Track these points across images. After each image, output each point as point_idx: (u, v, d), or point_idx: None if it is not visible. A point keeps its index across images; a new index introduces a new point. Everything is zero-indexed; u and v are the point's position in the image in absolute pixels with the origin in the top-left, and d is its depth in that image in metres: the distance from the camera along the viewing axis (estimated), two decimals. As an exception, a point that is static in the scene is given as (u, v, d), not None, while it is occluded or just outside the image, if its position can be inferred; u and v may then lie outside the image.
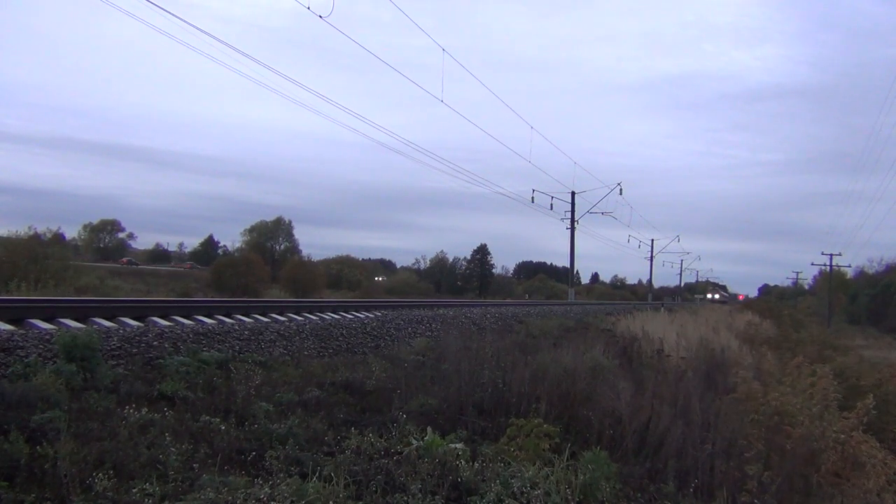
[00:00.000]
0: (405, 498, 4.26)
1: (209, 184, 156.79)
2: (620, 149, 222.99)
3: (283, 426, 5.51)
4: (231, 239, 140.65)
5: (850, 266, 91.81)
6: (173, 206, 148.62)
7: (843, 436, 6.35)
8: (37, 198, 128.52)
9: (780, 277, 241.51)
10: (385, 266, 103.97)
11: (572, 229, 46.75)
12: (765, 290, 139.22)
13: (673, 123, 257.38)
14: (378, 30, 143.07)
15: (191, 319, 11.07)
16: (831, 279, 67.71)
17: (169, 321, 10.57)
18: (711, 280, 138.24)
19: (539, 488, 4.49)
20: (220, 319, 11.55)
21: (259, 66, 23.94)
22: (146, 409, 5.53)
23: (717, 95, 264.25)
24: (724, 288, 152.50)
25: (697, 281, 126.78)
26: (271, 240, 78.98)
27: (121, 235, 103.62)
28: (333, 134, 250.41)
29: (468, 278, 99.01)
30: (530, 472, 4.73)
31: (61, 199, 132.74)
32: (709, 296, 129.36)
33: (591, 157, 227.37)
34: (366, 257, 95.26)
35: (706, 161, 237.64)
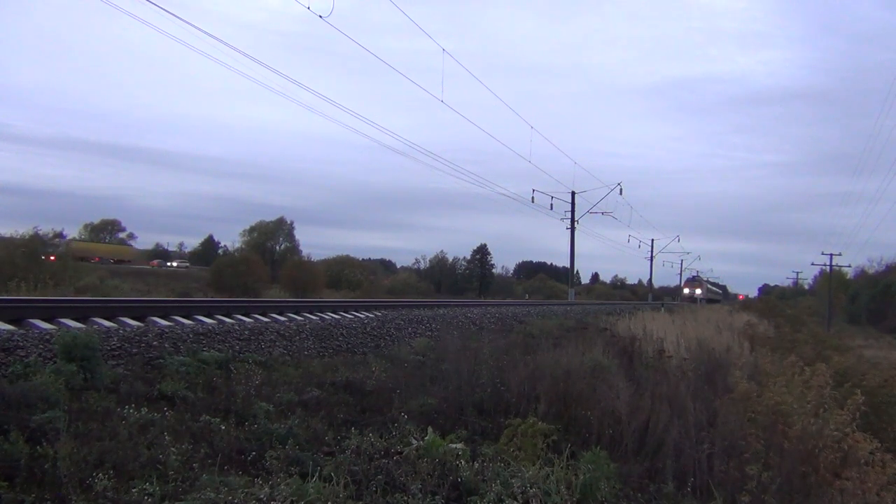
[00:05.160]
0: (405, 498, 4.27)
1: (210, 184, 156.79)
2: (624, 151, 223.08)
3: (283, 426, 5.52)
4: (231, 239, 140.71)
5: (850, 266, 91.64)
6: (173, 206, 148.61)
7: (837, 432, 6.36)
8: (42, 198, 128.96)
9: (780, 277, 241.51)
10: (385, 266, 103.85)
11: (572, 229, 46.80)
12: (765, 290, 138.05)
13: (677, 126, 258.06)
14: (386, 33, 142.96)
15: (191, 319, 11.08)
16: (831, 279, 67.67)
17: (169, 321, 10.58)
18: (711, 279, 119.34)
19: (539, 488, 4.50)
20: (220, 319, 11.56)
21: (265, 69, 23.97)
22: (146, 409, 5.53)
23: (722, 99, 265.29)
24: (723, 288, 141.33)
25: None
26: (271, 240, 79.00)
27: (121, 235, 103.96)
28: (335, 135, 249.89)
29: (468, 278, 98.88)
30: (530, 472, 4.74)
31: (65, 199, 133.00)
32: (686, 291, 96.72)
33: (594, 158, 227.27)
34: (366, 257, 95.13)
35: (709, 162, 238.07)
